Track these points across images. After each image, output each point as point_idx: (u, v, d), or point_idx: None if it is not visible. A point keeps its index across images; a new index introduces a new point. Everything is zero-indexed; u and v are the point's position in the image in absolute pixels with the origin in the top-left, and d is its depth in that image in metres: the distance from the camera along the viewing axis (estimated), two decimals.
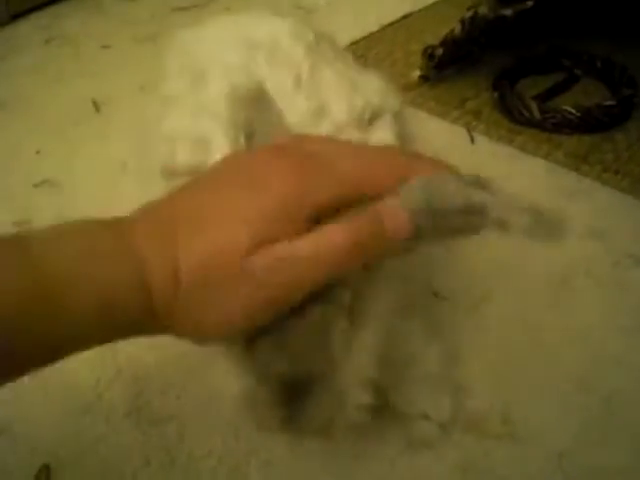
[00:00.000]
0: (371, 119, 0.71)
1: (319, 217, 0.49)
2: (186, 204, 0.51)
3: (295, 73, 0.72)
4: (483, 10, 1.16)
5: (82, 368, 0.84)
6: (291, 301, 0.50)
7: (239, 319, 0.49)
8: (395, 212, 0.51)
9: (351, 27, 1.57)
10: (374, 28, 1.58)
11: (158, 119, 0.77)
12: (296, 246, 0.48)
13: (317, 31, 0.82)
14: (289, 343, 0.53)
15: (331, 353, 0.54)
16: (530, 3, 1.12)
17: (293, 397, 0.53)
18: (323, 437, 0.61)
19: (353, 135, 0.67)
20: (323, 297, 0.53)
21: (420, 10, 1.65)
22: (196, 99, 0.75)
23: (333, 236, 0.48)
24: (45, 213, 1.10)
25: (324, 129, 0.67)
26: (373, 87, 0.75)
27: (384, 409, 0.72)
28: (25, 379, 0.81)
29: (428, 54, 1.28)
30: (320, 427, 0.55)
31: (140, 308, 0.47)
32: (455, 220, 0.52)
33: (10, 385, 0.80)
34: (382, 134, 0.71)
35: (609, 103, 1.17)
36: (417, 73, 1.32)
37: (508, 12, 1.14)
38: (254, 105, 0.64)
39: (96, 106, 1.37)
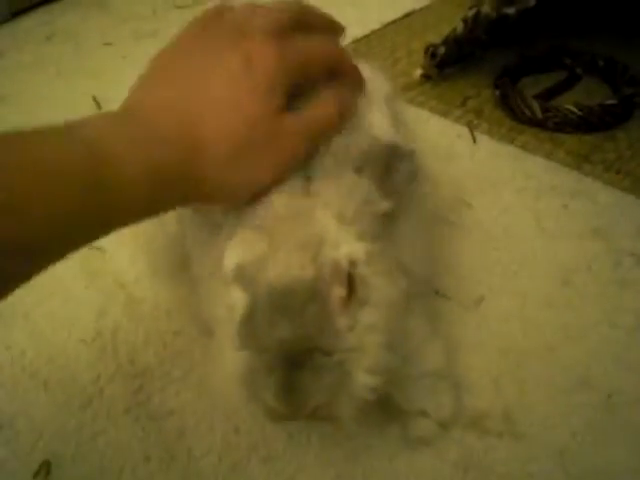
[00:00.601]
0: (362, 107, 0.71)
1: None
2: (193, 95, 0.59)
3: None
4: (486, 9, 1.16)
5: (82, 364, 0.84)
6: (309, 153, 0.62)
7: (268, 175, 0.60)
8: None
9: (353, 25, 1.55)
10: (376, 26, 1.57)
11: None
12: (308, 112, 0.62)
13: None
14: (291, 311, 0.53)
15: (332, 322, 0.54)
16: (532, 2, 1.12)
17: (293, 368, 0.53)
18: (324, 417, 0.57)
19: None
20: (321, 264, 0.55)
21: (422, 8, 1.64)
22: None
23: (327, 104, 0.63)
24: None
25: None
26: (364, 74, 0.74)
27: (383, 405, 0.72)
28: (26, 375, 0.82)
29: (430, 53, 1.28)
30: (320, 405, 0.54)
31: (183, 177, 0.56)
32: None
33: (11, 381, 0.81)
34: (373, 120, 0.70)
35: (611, 102, 1.16)
36: (419, 72, 1.32)
37: (511, 11, 1.14)
38: None
39: (97, 103, 1.37)
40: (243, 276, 0.56)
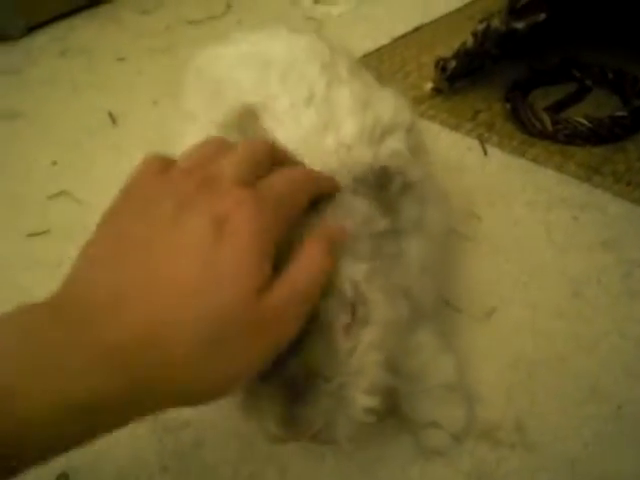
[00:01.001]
0: (383, 135, 0.72)
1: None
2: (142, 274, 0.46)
3: (309, 90, 0.73)
4: (495, 23, 1.17)
5: None
6: (299, 326, 0.51)
7: (253, 365, 0.49)
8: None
9: (363, 39, 1.58)
10: (386, 40, 1.59)
11: (176, 135, 0.78)
12: (293, 275, 0.50)
13: (333, 46, 0.84)
14: (293, 344, 0.52)
15: (334, 349, 0.54)
16: (542, 16, 1.13)
17: (294, 395, 0.53)
18: (323, 441, 0.58)
19: (362, 151, 0.69)
20: (324, 292, 0.54)
21: (431, 22, 1.66)
22: (210, 117, 0.77)
23: (312, 253, 0.52)
24: (61, 224, 1.11)
25: (328, 144, 0.68)
26: (386, 104, 0.76)
27: (396, 417, 0.73)
28: None
29: (440, 66, 1.29)
30: (320, 429, 0.55)
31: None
32: None
33: None
34: (393, 149, 0.72)
35: (620, 114, 1.17)
36: (430, 85, 1.33)
37: (520, 25, 1.15)
38: (241, 129, 0.66)
39: (112, 118, 1.39)
40: None
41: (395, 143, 0.71)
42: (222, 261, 0.45)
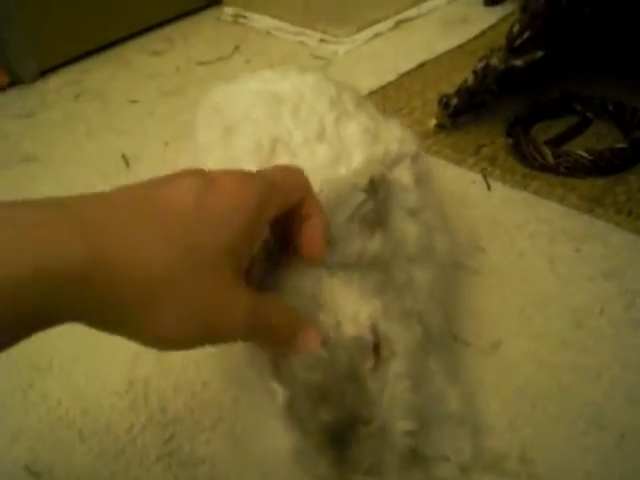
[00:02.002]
0: (391, 165, 0.76)
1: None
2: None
3: (320, 125, 0.78)
4: (494, 61, 1.20)
5: (115, 414, 0.88)
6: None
7: (188, 330, 0.51)
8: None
9: (369, 76, 1.62)
10: (392, 77, 1.62)
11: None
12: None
13: (338, 82, 0.88)
14: (325, 393, 0.58)
15: (366, 393, 0.59)
16: (540, 54, 1.16)
17: (340, 443, 0.58)
18: (374, 475, 0.61)
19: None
20: (344, 343, 0.59)
21: (435, 58, 1.69)
22: (225, 152, 0.81)
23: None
24: None
25: (341, 174, 0.72)
26: (393, 135, 0.80)
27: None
28: (62, 425, 0.85)
29: (444, 103, 1.32)
30: (370, 464, 0.59)
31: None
32: None
33: (48, 431, 0.85)
34: (401, 178, 0.75)
35: (621, 146, 1.19)
36: (433, 122, 1.36)
37: (519, 62, 1.18)
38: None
39: (126, 161, 1.43)
40: (279, 373, 0.62)
41: (402, 171, 0.75)
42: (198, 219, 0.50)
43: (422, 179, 0.81)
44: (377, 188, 0.65)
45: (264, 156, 0.75)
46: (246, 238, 0.54)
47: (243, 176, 0.54)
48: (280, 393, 0.62)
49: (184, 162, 0.87)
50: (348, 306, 0.61)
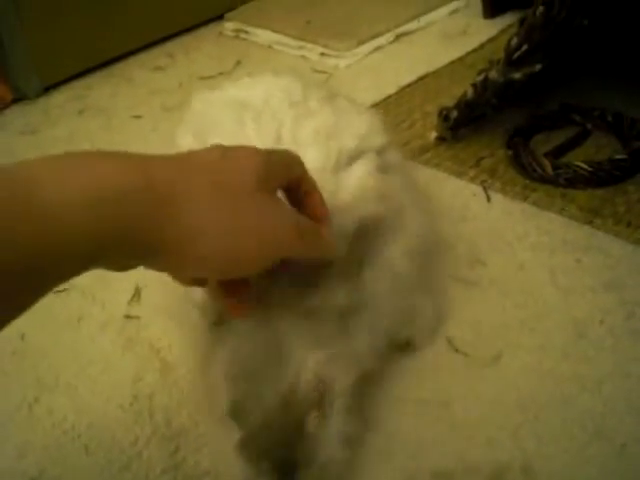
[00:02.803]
0: (350, 160, 0.77)
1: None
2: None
3: (276, 131, 0.81)
4: (493, 74, 1.21)
5: (121, 428, 0.89)
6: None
7: (251, 252, 0.58)
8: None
9: (370, 89, 1.63)
10: (392, 90, 1.63)
11: None
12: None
13: (311, 83, 0.93)
14: (275, 443, 0.67)
15: (309, 439, 0.68)
16: (538, 67, 1.17)
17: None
18: None
19: (327, 178, 0.75)
20: (294, 400, 0.67)
21: (435, 71, 1.70)
22: None
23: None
24: (80, 282, 1.15)
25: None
26: (354, 130, 0.81)
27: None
28: (68, 439, 0.86)
29: (444, 116, 1.33)
30: None
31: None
32: None
33: (54, 445, 0.86)
34: (361, 172, 0.77)
35: (619, 157, 1.20)
36: (434, 135, 1.37)
37: (517, 75, 1.19)
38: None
39: None
40: (236, 414, 0.70)
41: (361, 167, 0.76)
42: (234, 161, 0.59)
43: (387, 170, 0.83)
44: (364, 234, 0.73)
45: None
46: (259, 187, 0.59)
47: (251, 147, 0.62)
48: (235, 432, 0.70)
49: None
50: (302, 360, 0.69)
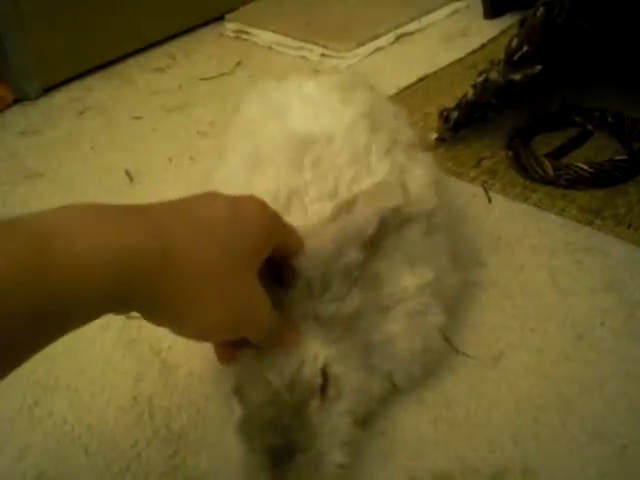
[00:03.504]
0: (401, 224, 0.80)
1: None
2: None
3: (334, 184, 0.83)
4: (493, 75, 1.21)
5: (121, 430, 0.89)
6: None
7: (225, 321, 0.63)
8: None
9: None
10: (392, 91, 1.63)
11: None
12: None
13: (378, 116, 0.94)
14: (274, 422, 0.68)
15: (308, 427, 0.69)
16: (538, 68, 1.17)
17: (279, 463, 0.68)
18: None
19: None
20: (297, 383, 0.69)
21: (435, 72, 1.70)
22: (247, 188, 0.84)
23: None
24: None
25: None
26: (409, 192, 0.80)
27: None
28: (67, 440, 0.86)
29: (444, 117, 1.33)
30: None
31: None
32: None
33: (54, 447, 0.86)
34: (409, 234, 0.82)
35: (620, 158, 1.20)
36: (434, 135, 1.37)
37: (518, 76, 1.19)
38: None
39: (129, 176, 1.44)
40: (240, 393, 0.72)
41: (411, 230, 0.82)
42: (233, 226, 0.61)
43: (434, 231, 0.86)
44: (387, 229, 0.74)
45: (279, 206, 0.77)
46: (263, 248, 0.65)
47: (260, 201, 0.66)
48: (236, 411, 0.72)
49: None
50: (309, 350, 0.71)
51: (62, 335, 0.52)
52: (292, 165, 0.84)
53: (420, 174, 0.86)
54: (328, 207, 0.78)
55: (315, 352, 0.71)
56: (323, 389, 0.71)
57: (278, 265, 0.71)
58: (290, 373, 0.69)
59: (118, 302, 0.53)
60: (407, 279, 0.80)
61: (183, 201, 0.62)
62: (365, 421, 0.81)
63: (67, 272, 0.48)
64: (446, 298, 0.86)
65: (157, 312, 0.58)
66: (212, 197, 0.63)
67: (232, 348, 0.72)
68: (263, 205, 0.66)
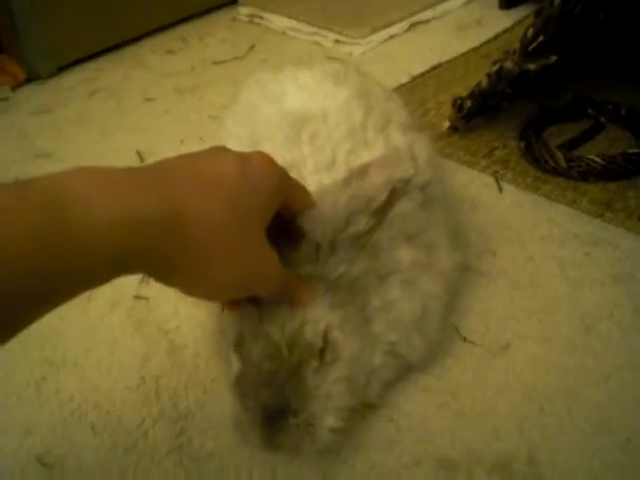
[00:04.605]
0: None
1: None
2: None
3: (331, 156, 0.83)
4: (508, 65, 1.21)
5: (127, 409, 0.89)
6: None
7: (233, 279, 0.63)
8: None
9: (383, 78, 1.60)
10: (405, 79, 1.63)
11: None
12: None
13: (372, 95, 0.94)
14: (269, 380, 0.69)
15: (303, 389, 0.69)
16: (553, 58, 1.17)
17: (271, 423, 0.68)
18: (293, 456, 0.76)
19: None
20: (297, 341, 0.69)
21: (448, 61, 1.70)
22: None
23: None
24: None
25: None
26: (404, 166, 0.80)
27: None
28: (74, 419, 0.87)
29: (457, 105, 1.32)
30: (290, 448, 0.70)
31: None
32: None
33: (60, 424, 0.86)
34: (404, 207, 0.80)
35: (633, 151, 1.20)
36: (447, 124, 1.37)
37: (532, 66, 1.19)
38: None
39: (140, 157, 1.44)
40: (240, 347, 0.72)
41: (406, 202, 0.79)
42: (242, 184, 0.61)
43: (430, 204, 0.85)
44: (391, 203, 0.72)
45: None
46: (272, 205, 0.65)
47: (268, 157, 0.65)
48: (235, 365, 0.72)
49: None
50: (312, 312, 0.71)
51: (73, 297, 0.52)
52: (290, 140, 0.85)
53: (415, 148, 0.86)
54: (326, 179, 0.78)
55: (318, 314, 0.71)
56: (322, 352, 0.71)
57: (285, 223, 0.71)
58: (291, 331, 0.70)
59: (130, 266, 0.54)
60: (403, 251, 0.80)
61: (192, 157, 0.62)
62: (364, 402, 0.81)
63: (81, 238, 0.49)
64: (444, 275, 0.86)
65: (168, 274, 0.59)
66: (220, 152, 0.63)
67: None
68: (271, 161, 0.65)
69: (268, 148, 0.79)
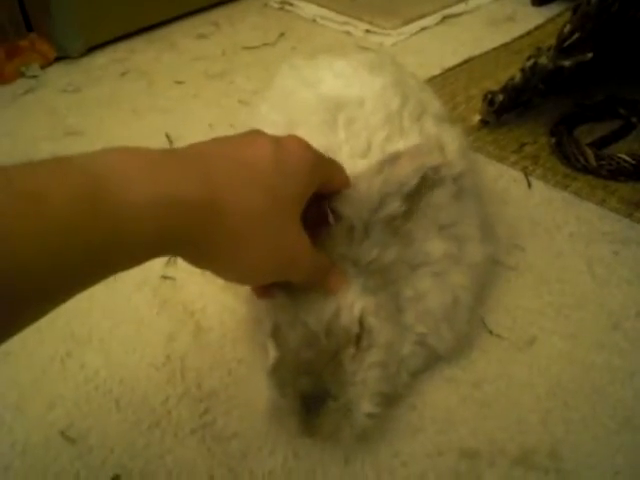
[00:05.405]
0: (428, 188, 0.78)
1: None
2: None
3: (366, 143, 0.83)
4: (543, 60, 1.20)
5: (152, 386, 0.90)
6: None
7: (267, 267, 0.64)
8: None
9: (414, 70, 1.59)
10: (436, 71, 1.63)
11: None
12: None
13: (409, 85, 0.95)
14: (308, 367, 0.69)
15: (341, 374, 0.70)
16: (589, 55, 1.16)
17: (309, 409, 0.69)
18: (332, 441, 0.75)
19: None
20: (334, 328, 0.70)
21: (480, 55, 1.70)
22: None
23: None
24: None
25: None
26: (437, 158, 0.81)
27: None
28: (99, 394, 0.87)
29: (489, 99, 1.32)
30: (329, 433, 0.70)
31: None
32: None
33: (85, 398, 0.87)
34: (437, 198, 0.80)
35: None
36: (477, 118, 1.36)
37: (567, 63, 1.18)
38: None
39: (170, 140, 1.45)
40: (277, 335, 0.72)
41: (439, 194, 0.80)
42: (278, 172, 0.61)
43: (462, 195, 0.85)
44: (424, 188, 0.74)
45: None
46: (307, 190, 0.65)
47: (303, 141, 0.65)
48: (272, 353, 0.73)
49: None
50: (347, 298, 0.71)
51: (108, 276, 0.53)
52: (326, 125, 0.85)
53: (449, 140, 0.86)
54: (361, 165, 0.78)
55: (353, 299, 0.72)
56: (358, 338, 0.71)
57: (320, 204, 0.72)
58: (328, 318, 0.70)
59: (165, 247, 0.55)
60: (434, 242, 0.80)
61: (228, 141, 0.62)
62: (395, 390, 0.81)
63: (119, 218, 0.49)
64: (474, 268, 0.85)
65: (202, 258, 0.60)
66: (255, 137, 0.63)
67: (269, 285, 0.73)
68: (305, 144, 0.65)
69: (303, 132, 0.79)
